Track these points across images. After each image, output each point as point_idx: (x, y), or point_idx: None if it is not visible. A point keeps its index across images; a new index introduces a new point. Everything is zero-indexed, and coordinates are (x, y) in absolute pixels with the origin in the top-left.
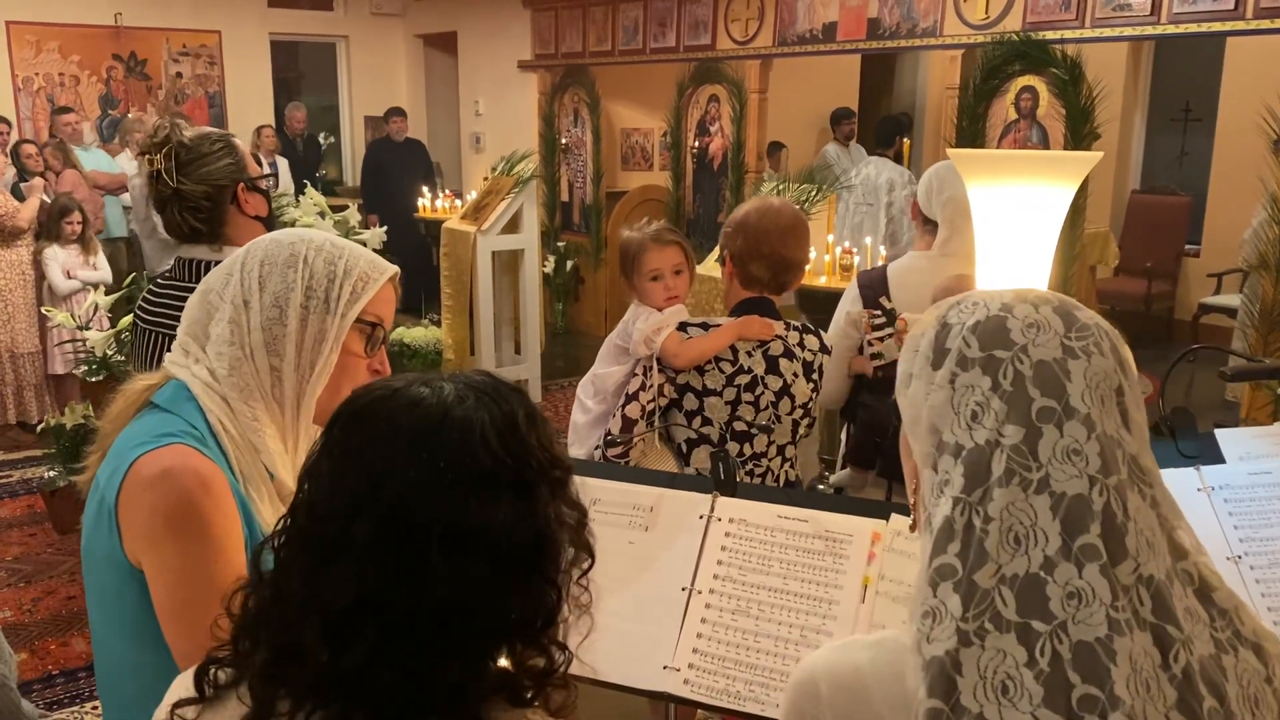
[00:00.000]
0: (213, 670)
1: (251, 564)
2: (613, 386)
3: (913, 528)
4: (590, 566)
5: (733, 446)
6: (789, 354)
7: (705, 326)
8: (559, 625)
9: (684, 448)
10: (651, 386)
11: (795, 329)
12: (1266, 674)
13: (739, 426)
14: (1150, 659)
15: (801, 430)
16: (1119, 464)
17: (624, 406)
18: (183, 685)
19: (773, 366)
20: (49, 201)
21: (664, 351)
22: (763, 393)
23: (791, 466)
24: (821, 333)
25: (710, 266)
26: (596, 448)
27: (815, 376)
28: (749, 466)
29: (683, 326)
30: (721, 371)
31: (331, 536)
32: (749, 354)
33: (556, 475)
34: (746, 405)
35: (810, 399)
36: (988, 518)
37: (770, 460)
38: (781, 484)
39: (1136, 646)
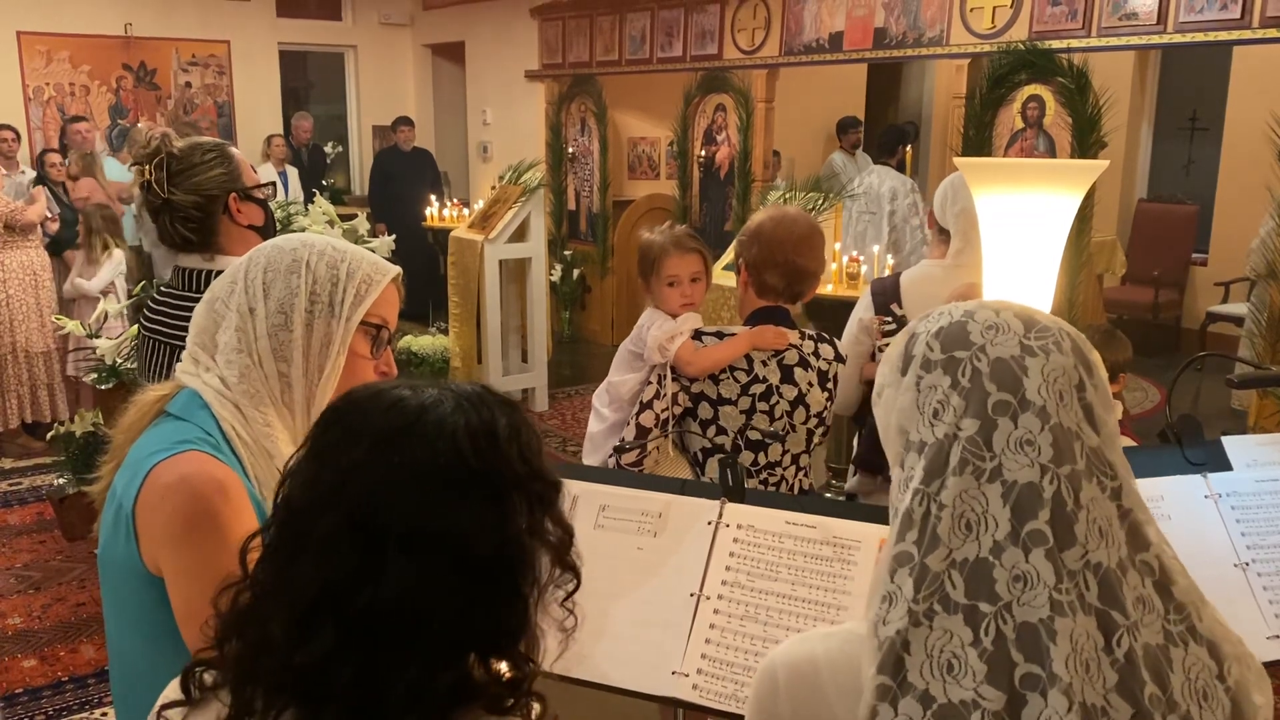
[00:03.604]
0: (198, 672)
1: (241, 563)
2: (627, 394)
3: None
4: (576, 589)
5: (746, 455)
6: (804, 363)
7: (720, 335)
8: (531, 640)
9: (699, 456)
10: (666, 395)
11: (810, 338)
12: (1220, 671)
13: (753, 435)
14: (1093, 642)
15: (816, 439)
16: (1075, 455)
17: (638, 415)
18: (172, 688)
19: (788, 376)
20: (54, 214)
21: (678, 360)
22: (778, 402)
23: (805, 475)
24: (836, 341)
25: (719, 274)
26: (610, 455)
27: (830, 385)
28: (763, 476)
29: (698, 334)
30: (736, 381)
31: (300, 532)
32: (764, 363)
33: (537, 489)
34: (761, 415)
35: (825, 408)
36: (941, 505)
37: (785, 469)
38: (796, 492)
39: (1079, 628)
